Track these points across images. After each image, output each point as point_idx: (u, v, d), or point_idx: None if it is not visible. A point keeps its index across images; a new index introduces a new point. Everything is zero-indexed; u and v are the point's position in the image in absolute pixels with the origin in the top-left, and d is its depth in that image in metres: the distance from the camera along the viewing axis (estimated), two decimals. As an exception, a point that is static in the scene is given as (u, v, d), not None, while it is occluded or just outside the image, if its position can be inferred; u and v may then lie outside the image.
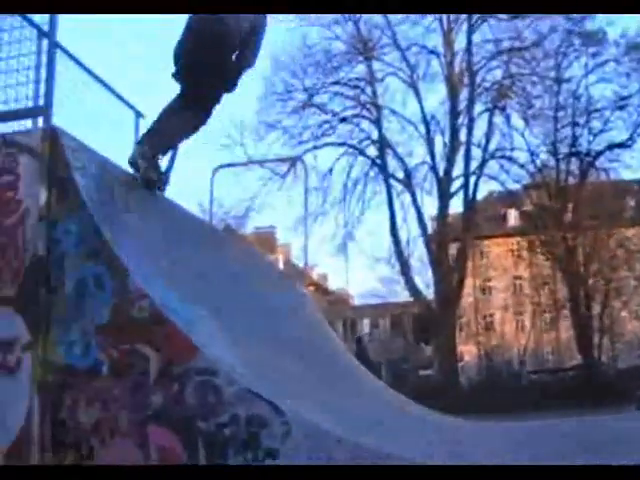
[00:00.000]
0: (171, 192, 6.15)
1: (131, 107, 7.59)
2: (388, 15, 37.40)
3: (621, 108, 36.96)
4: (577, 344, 39.11)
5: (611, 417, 9.10)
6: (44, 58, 4.99)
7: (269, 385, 4.21)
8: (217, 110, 5.92)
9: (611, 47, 36.54)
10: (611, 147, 37.68)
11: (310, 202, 38.23)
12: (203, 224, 6.95)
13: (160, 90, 6.48)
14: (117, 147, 6.65)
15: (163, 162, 5.94)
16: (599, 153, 38.02)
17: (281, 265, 46.87)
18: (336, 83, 38.83)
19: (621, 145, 37.46)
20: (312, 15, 36.77)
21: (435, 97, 51.91)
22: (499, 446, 5.06)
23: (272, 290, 7.13)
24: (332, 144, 38.89)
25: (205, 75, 5.59)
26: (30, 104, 5.09)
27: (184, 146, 6.16)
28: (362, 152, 38.89)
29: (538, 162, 38.66)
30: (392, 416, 6.15)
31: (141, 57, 72.64)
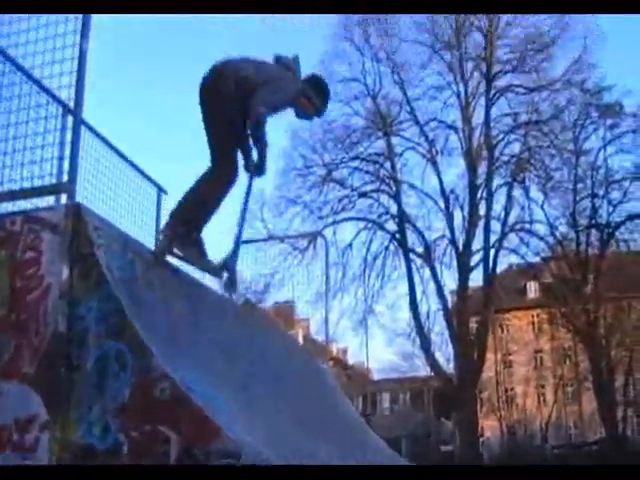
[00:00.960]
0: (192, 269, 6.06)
1: (154, 183, 7.64)
2: (407, 91, 38.05)
3: (639, 178, 37.10)
4: (600, 417, 38.31)
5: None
6: (69, 135, 5.02)
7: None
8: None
9: (628, 118, 36.79)
10: (631, 218, 37.55)
11: (330, 277, 38.26)
12: (226, 300, 6.89)
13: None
14: (139, 224, 6.67)
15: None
16: (619, 224, 37.90)
17: (300, 340, 46.68)
18: (355, 158, 39.10)
19: (640, 216, 37.40)
20: (330, 89, 37.22)
21: (454, 171, 52.35)
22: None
23: (295, 364, 7.05)
24: (351, 219, 38.87)
25: (220, 127, 5.48)
26: (54, 181, 5.11)
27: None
28: (381, 226, 38.89)
29: (557, 234, 38.48)
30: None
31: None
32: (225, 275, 5.61)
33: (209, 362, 4.90)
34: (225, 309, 6.88)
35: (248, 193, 5.77)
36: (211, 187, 5.55)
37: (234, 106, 5.38)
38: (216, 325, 5.85)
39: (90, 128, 6.24)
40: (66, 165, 4.94)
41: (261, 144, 5.57)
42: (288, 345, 8.41)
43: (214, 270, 5.70)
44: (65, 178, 4.93)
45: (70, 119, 5.16)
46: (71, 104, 5.01)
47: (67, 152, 4.94)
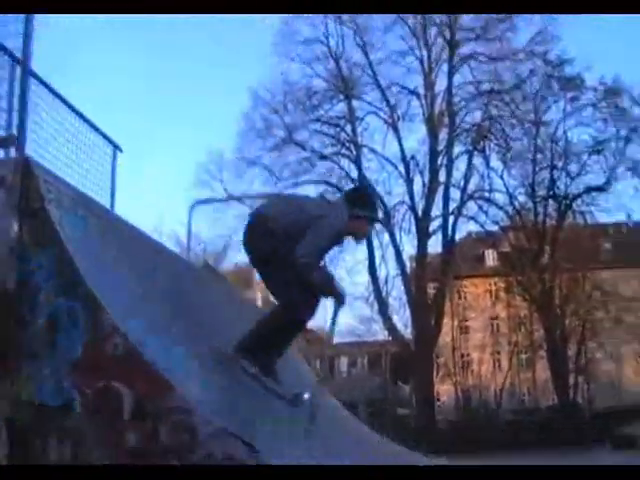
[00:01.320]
0: (148, 226, 5.98)
1: (110, 141, 7.49)
2: (369, 55, 37.79)
3: (598, 152, 37.49)
4: (553, 384, 39.07)
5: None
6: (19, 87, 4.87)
7: (243, 422, 4.15)
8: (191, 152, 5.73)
9: (589, 92, 37.19)
10: (588, 190, 38.08)
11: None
12: (179, 259, 6.81)
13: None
14: (94, 182, 6.54)
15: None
16: (576, 196, 38.42)
17: (259, 302, 46.60)
18: (316, 121, 38.90)
19: (598, 189, 37.85)
20: (292, 49, 36.99)
21: (415, 137, 52.16)
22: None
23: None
24: (312, 182, 38.72)
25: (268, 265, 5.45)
26: (1, 133, 4.97)
27: (163, 182, 5.96)
28: (341, 190, 38.64)
29: (516, 204, 38.91)
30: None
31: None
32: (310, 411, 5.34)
33: (165, 319, 4.85)
34: (183, 270, 6.83)
35: (333, 321, 5.91)
36: (282, 323, 5.47)
37: (281, 251, 5.25)
38: (173, 285, 5.80)
39: (44, 84, 6.02)
40: (15, 118, 4.80)
41: (320, 287, 5.47)
42: (245, 307, 8.37)
43: (296, 400, 5.48)
44: (14, 131, 4.80)
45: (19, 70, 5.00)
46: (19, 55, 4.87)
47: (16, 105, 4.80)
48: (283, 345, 5.70)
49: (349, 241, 5.91)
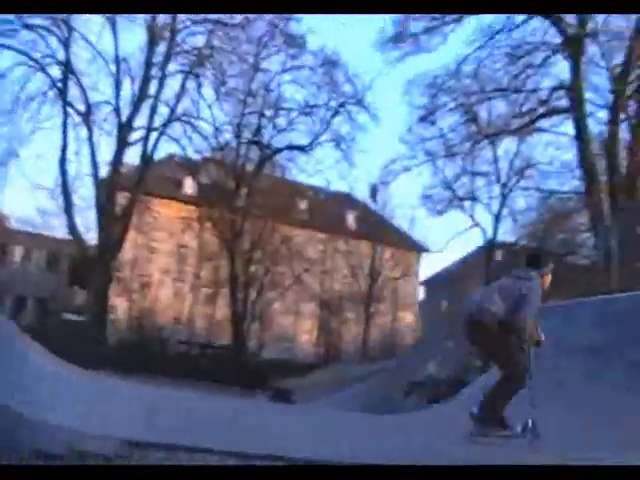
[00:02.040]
0: None
1: None
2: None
3: (306, 114, 38.17)
4: (231, 325, 39.73)
5: None
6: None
7: None
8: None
9: (309, 55, 37.49)
10: (291, 147, 38.69)
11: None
12: None
13: None
14: None
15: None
16: (279, 149, 38.87)
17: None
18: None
19: (300, 148, 38.55)
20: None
21: (134, 40, 49.17)
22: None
23: None
24: (10, 48, 35.13)
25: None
26: None
27: None
28: (43, 69, 36.03)
29: (221, 139, 38.59)
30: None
31: None
32: None
33: None
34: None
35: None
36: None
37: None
38: None
39: None
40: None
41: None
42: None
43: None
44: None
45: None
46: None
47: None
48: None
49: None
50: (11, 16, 33.51)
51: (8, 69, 35.03)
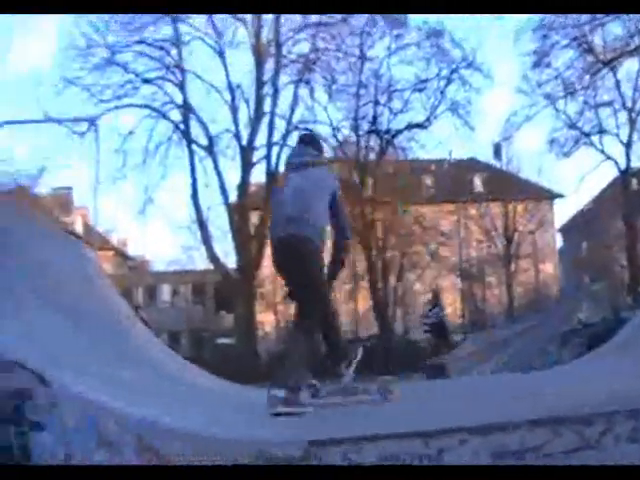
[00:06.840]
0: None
1: None
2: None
3: (420, 90, 38.54)
4: (374, 315, 40.28)
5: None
6: None
7: (43, 356, 3.98)
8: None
9: (413, 31, 37.96)
10: (409, 127, 39.13)
11: (109, 165, 37.21)
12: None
13: None
14: None
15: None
16: (398, 132, 39.33)
17: (80, 228, 45.25)
18: (140, 42, 37.38)
19: (418, 125, 38.97)
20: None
21: (242, 66, 51.10)
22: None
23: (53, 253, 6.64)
24: (134, 105, 37.70)
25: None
26: None
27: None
28: (165, 116, 37.88)
29: (340, 137, 39.35)
30: (169, 386, 6.09)
31: None
32: None
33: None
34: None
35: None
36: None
37: None
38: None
39: None
40: None
41: None
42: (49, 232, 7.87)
43: None
44: None
45: None
46: None
47: None
48: None
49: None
50: (131, 75, 35.89)
51: (135, 126, 37.02)
